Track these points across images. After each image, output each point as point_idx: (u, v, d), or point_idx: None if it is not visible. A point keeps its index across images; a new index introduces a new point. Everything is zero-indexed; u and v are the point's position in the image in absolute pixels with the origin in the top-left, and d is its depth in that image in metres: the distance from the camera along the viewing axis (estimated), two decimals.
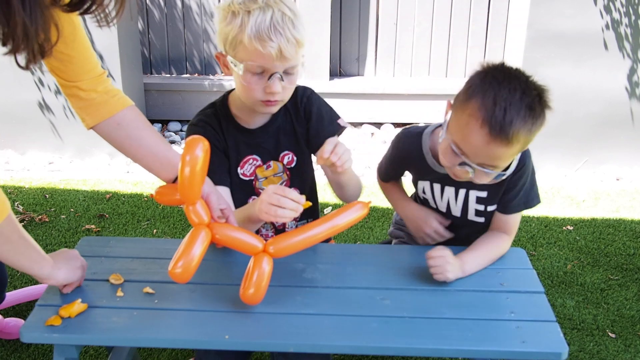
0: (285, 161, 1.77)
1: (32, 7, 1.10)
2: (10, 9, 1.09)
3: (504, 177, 1.56)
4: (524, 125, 1.42)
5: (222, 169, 1.73)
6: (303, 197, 1.48)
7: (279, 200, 1.45)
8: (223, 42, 1.60)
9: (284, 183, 1.77)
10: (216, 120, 1.73)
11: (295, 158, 1.77)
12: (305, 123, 1.76)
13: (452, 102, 1.56)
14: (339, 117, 1.80)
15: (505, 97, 1.41)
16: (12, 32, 1.12)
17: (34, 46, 1.17)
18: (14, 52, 1.17)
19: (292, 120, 1.76)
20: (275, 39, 1.51)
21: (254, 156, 1.75)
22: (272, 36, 1.51)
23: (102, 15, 1.23)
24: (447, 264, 1.54)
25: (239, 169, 1.75)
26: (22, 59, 1.19)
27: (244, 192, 1.77)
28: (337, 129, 1.77)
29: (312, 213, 1.83)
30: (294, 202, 1.46)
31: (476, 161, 1.48)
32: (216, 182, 1.69)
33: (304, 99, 1.77)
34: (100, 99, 1.54)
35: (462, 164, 1.50)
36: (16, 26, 1.11)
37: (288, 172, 1.77)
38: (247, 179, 1.76)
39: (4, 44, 1.17)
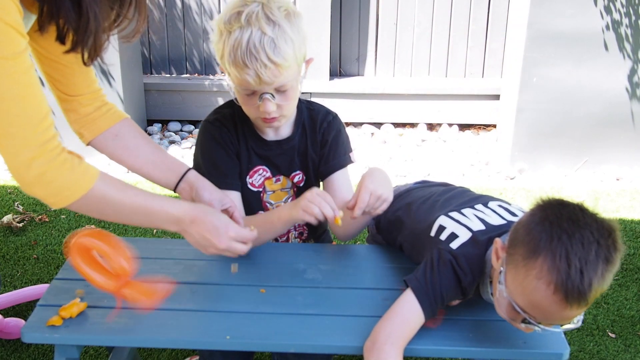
0: (295, 180, 1.75)
1: (99, 2, 1.17)
2: (82, 4, 1.15)
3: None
4: (602, 282, 1.19)
5: (233, 173, 1.70)
6: (341, 212, 1.53)
7: (320, 203, 1.51)
8: (218, 59, 1.56)
9: (290, 199, 1.76)
10: (232, 122, 1.69)
11: (304, 178, 1.76)
12: (319, 149, 1.74)
13: (504, 244, 1.32)
14: (351, 150, 1.78)
15: (580, 254, 1.17)
16: (84, 27, 1.17)
17: (101, 40, 1.23)
18: (81, 46, 1.22)
19: (306, 142, 1.73)
20: (250, 65, 1.45)
21: (264, 167, 1.72)
22: (247, 62, 1.45)
23: (124, 31, 1.27)
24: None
25: (248, 177, 1.72)
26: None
27: (251, 203, 1.74)
28: (347, 162, 1.76)
29: (314, 232, 1.85)
30: (331, 211, 1.51)
31: (546, 323, 1.27)
32: (227, 186, 1.68)
33: (324, 124, 1.73)
34: (97, 114, 1.55)
35: (526, 321, 1.28)
36: (88, 21, 1.17)
37: (295, 189, 1.76)
38: (255, 189, 1.74)
39: (63, 40, 1.19)
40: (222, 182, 1.67)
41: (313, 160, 1.74)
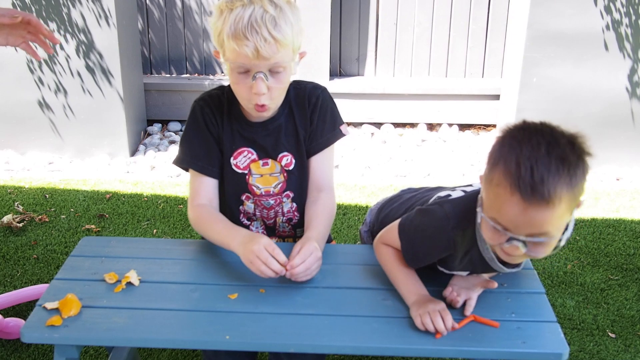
0: (283, 162, 1.71)
1: None
2: None
3: (562, 245, 1.34)
4: (559, 179, 1.22)
5: (209, 157, 1.69)
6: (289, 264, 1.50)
7: (267, 259, 1.48)
8: (214, 39, 1.58)
9: (280, 185, 1.73)
10: (219, 102, 1.69)
11: (294, 160, 1.72)
12: (309, 126, 1.71)
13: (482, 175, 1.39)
14: (342, 123, 1.75)
15: (529, 154, 1.23)
16: None
17: None
18: None
19: (294, 121, 1.70)
20: (251, 38, 1.48)
21: (249, 149, 1.70)
22: (248, 35, 1.48)
23: None
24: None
25: (232, 159, 1.70)
26: None
27: (236, 185, 1.73)
28: (337, 136, 1.74)
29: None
30: (280, 267, 1.49)
31: (522, 233, 1.28)
32: (200, 169, 1.69)
33: (312, 99, 1.71)
34: None
35: (510, 239, 1.30)
36: None
37: (285, 174, 1.73)
38: (240, 171, 1.71)
39: None
40: (193, 164, 1.70)
41: (304, 138, 1.72)
